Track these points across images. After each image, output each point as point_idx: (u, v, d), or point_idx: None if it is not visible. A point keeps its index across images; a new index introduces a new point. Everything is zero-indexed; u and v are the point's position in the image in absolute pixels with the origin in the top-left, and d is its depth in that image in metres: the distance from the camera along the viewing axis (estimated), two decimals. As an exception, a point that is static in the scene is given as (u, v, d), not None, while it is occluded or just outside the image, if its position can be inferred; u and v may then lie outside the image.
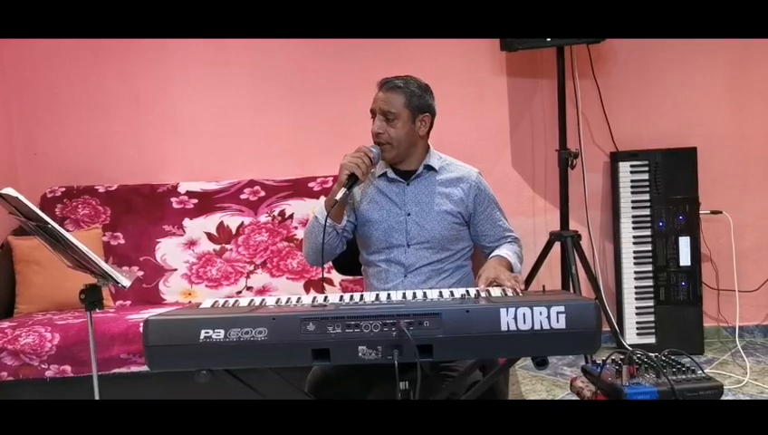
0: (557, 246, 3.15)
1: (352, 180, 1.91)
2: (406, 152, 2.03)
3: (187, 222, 3.20)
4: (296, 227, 3.18)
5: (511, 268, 1.95)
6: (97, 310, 1.92)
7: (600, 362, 1.70)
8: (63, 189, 3.25)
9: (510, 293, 1.63)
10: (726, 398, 2.17)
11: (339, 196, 1.90)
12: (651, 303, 3.29)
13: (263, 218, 3.21)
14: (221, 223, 3.20)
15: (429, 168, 2.07)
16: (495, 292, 1.64)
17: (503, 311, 1.35)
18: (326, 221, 1.95)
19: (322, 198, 3.13)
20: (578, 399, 1.72)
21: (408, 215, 2.04)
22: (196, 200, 3.23)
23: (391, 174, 2.08)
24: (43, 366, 2.49)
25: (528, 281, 3.12)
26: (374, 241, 2.07)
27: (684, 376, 1.58)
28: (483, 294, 1.61)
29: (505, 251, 2.03)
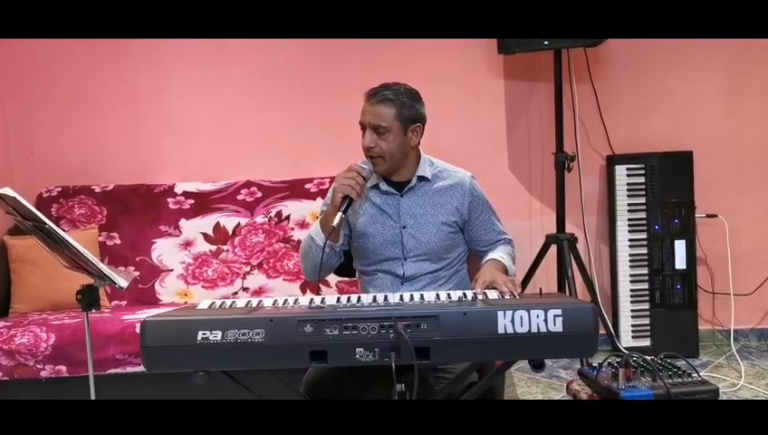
0: (553, 249, 3.16)
1: (347, 202, 1.87)
2: (399, 164, 1.98)
3: (183, 223, 3.20)
4: (293, 229, 3.18)
5: (506, 271, 1.94)
6: (93, 310, 1.92)
7: (597, 365, 1.71)
8: (59, 189, 3.24)
9: (507, 296, 1.62)
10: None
11: (336, 221, 1.84)
12: (647, 306, 3.29)
13: (259, 219, 3.20)
14: (217, 224, 3.20)
15: (422, 178, 2.02)
16: (492, 295, 1.64)
17: (500, 314, 1.35)
18: (325, 244, 1.92)
19: (319, 200, 3.14)
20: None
21: (404, 228, 2.00)
22: (192, 201, 3.23)
23: (384, 186, 2.02)
24: (38, 366, 2.48)
25: (524, 284, 3.12)
26: (370, 253, 2.04)
27: (680, 379, 1.59)
28: (480, 297, 1.61)
29: (499, 254, 2.01)
